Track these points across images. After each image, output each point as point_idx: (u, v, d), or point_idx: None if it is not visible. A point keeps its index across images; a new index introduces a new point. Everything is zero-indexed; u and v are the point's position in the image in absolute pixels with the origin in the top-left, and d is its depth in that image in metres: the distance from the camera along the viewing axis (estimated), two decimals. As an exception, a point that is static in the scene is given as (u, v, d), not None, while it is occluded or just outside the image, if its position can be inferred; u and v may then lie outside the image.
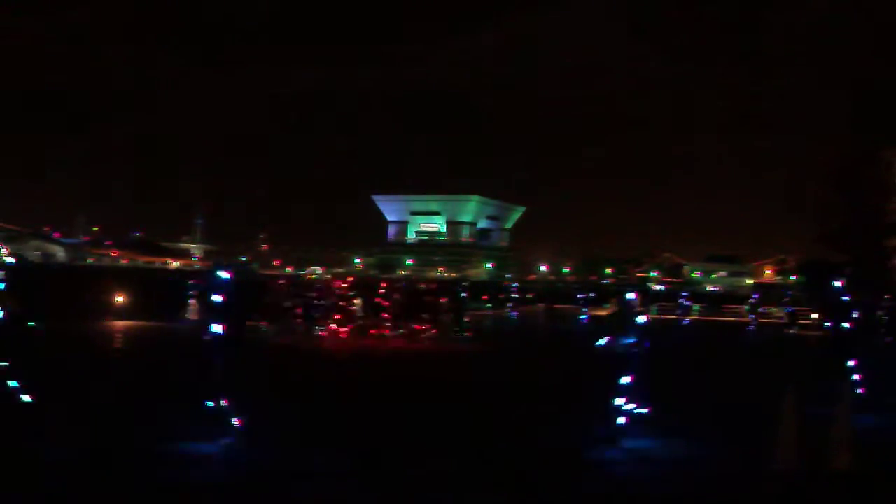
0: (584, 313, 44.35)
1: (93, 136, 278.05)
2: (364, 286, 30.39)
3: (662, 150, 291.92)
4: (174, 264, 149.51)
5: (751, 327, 41.21)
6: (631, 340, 11.73)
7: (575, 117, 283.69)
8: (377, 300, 27.95)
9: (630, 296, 12.08)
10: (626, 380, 11.47)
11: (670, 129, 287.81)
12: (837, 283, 13.60)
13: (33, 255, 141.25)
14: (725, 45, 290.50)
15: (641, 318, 11.93)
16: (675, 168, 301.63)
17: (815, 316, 44.00)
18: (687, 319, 44.80)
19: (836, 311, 13.32)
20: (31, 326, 14.58)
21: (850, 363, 13.17)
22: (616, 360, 11.70)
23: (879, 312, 31.38)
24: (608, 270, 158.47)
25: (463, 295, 38.55)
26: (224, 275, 10.66)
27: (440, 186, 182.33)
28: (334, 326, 26.95)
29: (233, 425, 10.29)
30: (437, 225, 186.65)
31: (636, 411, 11.65)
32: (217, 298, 10.48)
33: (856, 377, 13.20)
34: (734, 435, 12.04)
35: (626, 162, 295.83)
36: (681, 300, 46.54)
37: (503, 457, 10.42)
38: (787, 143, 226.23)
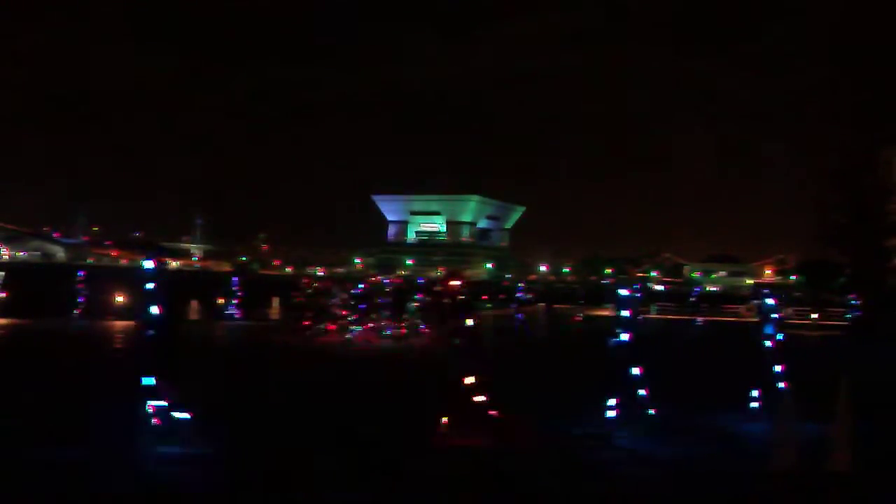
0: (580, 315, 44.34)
1: (93, 136, 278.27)
2: None
3: (662, 151, 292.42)
4: (174, 264, 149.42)
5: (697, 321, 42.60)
6: None
7: (575, 117, 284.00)
8: None
9: None
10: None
11: (671, 129, 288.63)
12: (770, 301, 13.11)
13: (33, 255, 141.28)
14: (727, 45, 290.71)
15: None
16: (675, 168, 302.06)
17: (814, 316, 44.26)
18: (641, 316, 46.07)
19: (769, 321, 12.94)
20: None
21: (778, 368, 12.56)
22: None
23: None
24: (608, 270, 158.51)
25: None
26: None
27: (440, 186, 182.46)
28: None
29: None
30: (437, 225, 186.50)
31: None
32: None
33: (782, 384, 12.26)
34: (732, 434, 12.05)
35: (626, 162, 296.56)
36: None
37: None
38: (787, 143, 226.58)
